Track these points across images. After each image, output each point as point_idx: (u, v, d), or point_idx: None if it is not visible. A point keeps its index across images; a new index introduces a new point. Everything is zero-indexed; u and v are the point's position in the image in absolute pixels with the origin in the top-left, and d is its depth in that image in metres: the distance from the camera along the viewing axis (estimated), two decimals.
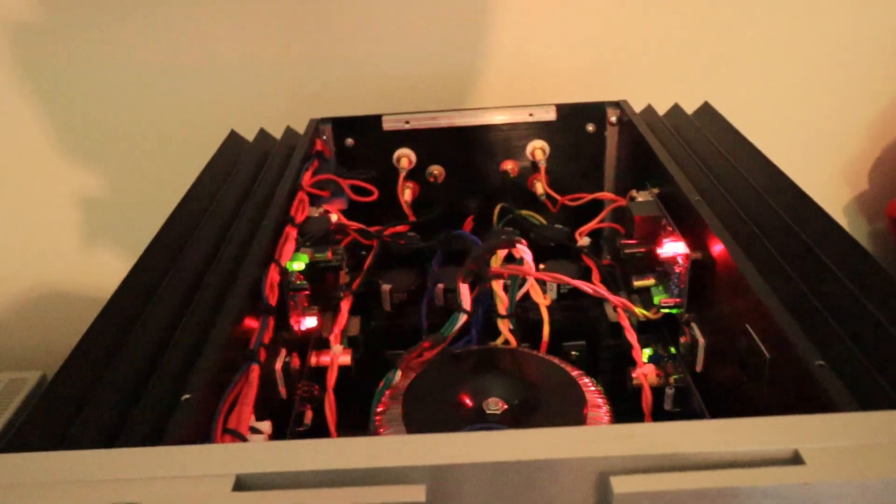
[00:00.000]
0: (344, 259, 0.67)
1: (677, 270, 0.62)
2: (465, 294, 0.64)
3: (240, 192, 0.70)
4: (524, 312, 0.71)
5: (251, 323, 0.53)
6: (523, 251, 0.65)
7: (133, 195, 1.13)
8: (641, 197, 0.70)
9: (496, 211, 0.86)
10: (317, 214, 0.70)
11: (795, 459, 0.34)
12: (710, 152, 0.72)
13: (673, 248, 0.62)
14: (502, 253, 0.67)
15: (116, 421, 0.41)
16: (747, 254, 0.54)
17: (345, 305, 0.66)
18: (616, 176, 0.85)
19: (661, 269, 0.66)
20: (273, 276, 0.57)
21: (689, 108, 0.84)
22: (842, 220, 1.15)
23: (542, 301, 0.68)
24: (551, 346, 0.69)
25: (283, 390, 0.59)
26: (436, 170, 0.87)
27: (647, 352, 0.69)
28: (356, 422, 0.74)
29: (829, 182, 1.13)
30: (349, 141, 0.85)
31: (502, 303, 0.66)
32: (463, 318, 0.64)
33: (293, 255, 0.62)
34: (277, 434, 0.58)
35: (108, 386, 0.44)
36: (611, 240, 0.86)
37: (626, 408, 0.66)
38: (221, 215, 0.65)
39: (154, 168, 1.11)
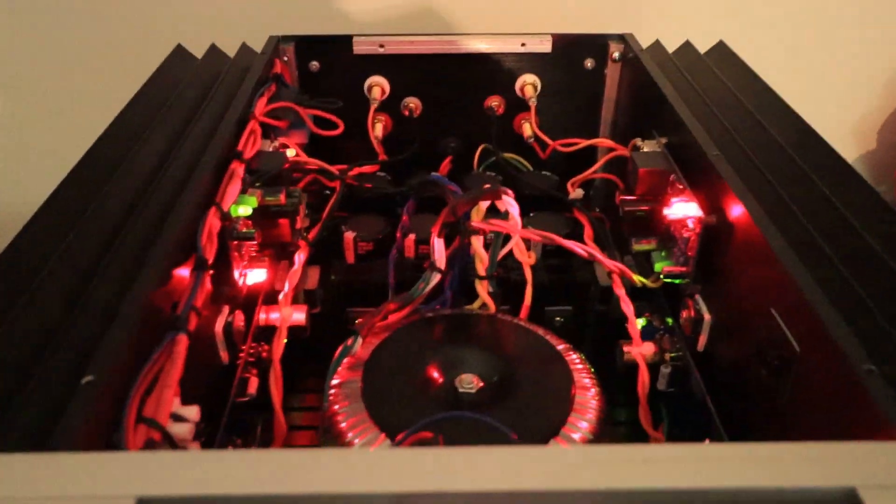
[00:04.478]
0: (301, 202, 0.58)
1: (686, 235, 0.54)
2: (439, 251, 0.55)
3: (180, 118, 0.60)
4: (505, 272, 0.62)
5: (182, 282, 0.44)
6: (510, 204, 0.56)
7: (67, 116, 1.01)
8: (647, 147, 0.61)
9: (478, 152, 0.77)
10: (270, 149, 0.60)
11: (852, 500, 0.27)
12: (725, 98, 0.64)
13: (683, 209, 0.54)
14: (484, 205, 0.58)
15: None
16: (775, 224, 0.46)
17: (299, 258, 0.57)
18: (614, 121, 0.76)
19: (666, 232, 0.58)
20: (213, 222, 0.47)
21: (702, 47, 0.74)
22: None
23: (527, 260, 0.60)
24: (533, 310, 0.61)
25: (224, 355, 0.51)
26: (412, 102, 0.77)
27: (640, 322, 0.61)
28: (308, 391, 0.66)
29: (839, 137, 1.05)
30: (314, 64, 0.75)
31: (482, 262, 0.57)
32: (436, 277, 0.55)
33: (238, 197, 0.52)
34: (215, 410, 0.50)
35: None
36: (603, 190, 0.77)
37: (614, 384, 0.59)
38: (155, 146, 0.55)
39: (93, 85, 0.99)
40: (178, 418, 0.37)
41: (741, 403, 0.48)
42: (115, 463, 0.28)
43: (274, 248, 0.59)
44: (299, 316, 0.58)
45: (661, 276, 0.56)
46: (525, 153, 0.78)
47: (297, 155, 0.64)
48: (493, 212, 0.60)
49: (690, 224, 0.53)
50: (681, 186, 0.55)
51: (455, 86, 0.77)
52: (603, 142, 0.70)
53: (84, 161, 0.52)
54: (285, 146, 0.63)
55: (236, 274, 0.54)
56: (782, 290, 0.42)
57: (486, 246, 0.58)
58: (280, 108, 0.64)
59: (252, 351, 0.55)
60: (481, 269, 0.57)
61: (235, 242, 0.52)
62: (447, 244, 0.57)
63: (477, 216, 0.57)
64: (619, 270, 0.56)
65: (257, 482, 0.27)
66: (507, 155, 0.78)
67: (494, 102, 0.77)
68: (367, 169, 0.71)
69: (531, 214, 0.69)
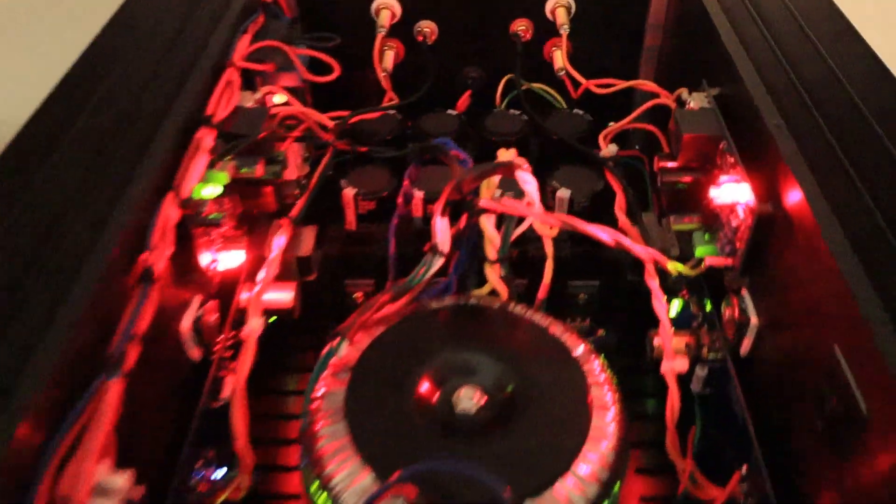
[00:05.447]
0: (285, 166, 0.50)
1: (735, 224, 0.45)
2: (442, 232, 0.47)
3: (147, 64, 0.51)
4: (523, 245, 0.55)
5: (121, 301, 0.37)
6: (524, 181, 0.47)
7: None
8: (695, 102, 0.51)
9: (501, 84, 0.68)
10: (251, 103, 0.51)
11: None
12: (795, 40, 0.53)
13: (732, 192, 0.45)
14: (496, 178, 0.50)
15: None
16: (844, 227, 0.37)
17: (278, 242, 0.49)
18: (660, 57, 0.65)
19: (712, 212, 0.49)
20: (168, 214, 0.40)
21: None
22: None
23: (548, 233, 0.52)
24: (555, 285, 0.53)
25: (194, 353, 0.45)
26: (426, 27, 0.68)
27: (676, 303, 0.54)
28: (299, 370, 0.60)
29: None
30: None
31: (492, 244, 0.49)
32: (439, 262, 0.48)
33: (206, 173, 0.44)
34: (186, 413, 0.44)
35: None
36: (643, 134, 0.67)
37: (639, 387, 0.53)
38: (114, 104, 0.47)
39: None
40: (102, 490, 0.31)
41: (787, 438, 0.41)
42: None
43: (252, 219, 0.52)
44: (286, 297, 0.51)
45: (701, 263, 0.48)
46: (557, 86, 0.68)
47: (286, 103, 0.56)
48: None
49: (741, 212, 0.44)
50: (732, 159, 0.46)
51: (476, 7, 0.67)
52: (645, 84, 0.59)
53: (25, 131, 0.44)
54: (270, 94, 0.55)
55: (207, 260, 0.47)
56: (848, 323, 0.34)
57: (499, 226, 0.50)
58: (265, 48, 0.55)
59: (231, 342, 0.49)
60: (492, 252, 0.49)
61: (199, 229, 0.45)
62: (453, 220, 0.49)
63: (487, 192, 0.49)
64: (651, 259, 0.47)
65: None
66: (537, 86, 0.68)
67: (521, 27, 0.67)
68: (369, 115, 0.62)
69: (559, 168, 0.60)
